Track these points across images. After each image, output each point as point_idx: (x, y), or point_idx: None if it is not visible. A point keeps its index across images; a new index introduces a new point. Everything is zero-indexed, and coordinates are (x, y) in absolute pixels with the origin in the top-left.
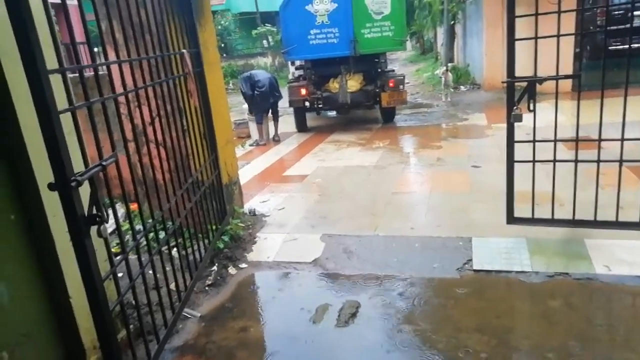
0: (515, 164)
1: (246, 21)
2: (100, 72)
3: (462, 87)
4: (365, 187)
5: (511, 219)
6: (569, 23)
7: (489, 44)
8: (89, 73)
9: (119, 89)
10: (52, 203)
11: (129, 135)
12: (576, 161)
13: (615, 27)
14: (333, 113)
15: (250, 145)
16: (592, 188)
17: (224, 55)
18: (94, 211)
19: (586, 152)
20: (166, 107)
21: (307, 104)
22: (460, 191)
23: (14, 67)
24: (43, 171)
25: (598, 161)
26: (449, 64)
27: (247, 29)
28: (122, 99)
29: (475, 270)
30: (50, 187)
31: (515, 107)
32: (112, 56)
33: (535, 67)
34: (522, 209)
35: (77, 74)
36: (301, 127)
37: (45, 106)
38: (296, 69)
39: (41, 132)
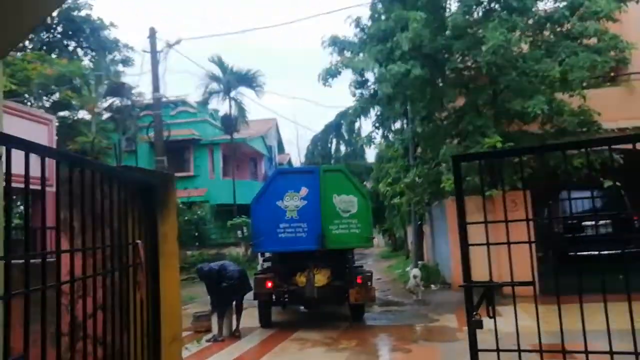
0: None
1: (223, 212)
2: (49, 259)
3: (432, 285)
4: None
5: None
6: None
7: (454, 245)
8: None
9: (65, 277)
10: None
11: (65, 328)
12: None
13: (570, 235)
14: (301, 307)
15: (207, 340)
16: None
17: (197, 243)
18: None
19: None
20: (112, 299)
21: (273, 297)
22: None
23: None
24: None
25: None
26: (419, 262)
27: (223, 220)
28: (66, 288)
29: None
30: None
31: (475, 313)
32: (64, 245)
33: (490, 273)
34: None
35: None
36: (265, 322)
37: None
38: (264, 260)
39: None
